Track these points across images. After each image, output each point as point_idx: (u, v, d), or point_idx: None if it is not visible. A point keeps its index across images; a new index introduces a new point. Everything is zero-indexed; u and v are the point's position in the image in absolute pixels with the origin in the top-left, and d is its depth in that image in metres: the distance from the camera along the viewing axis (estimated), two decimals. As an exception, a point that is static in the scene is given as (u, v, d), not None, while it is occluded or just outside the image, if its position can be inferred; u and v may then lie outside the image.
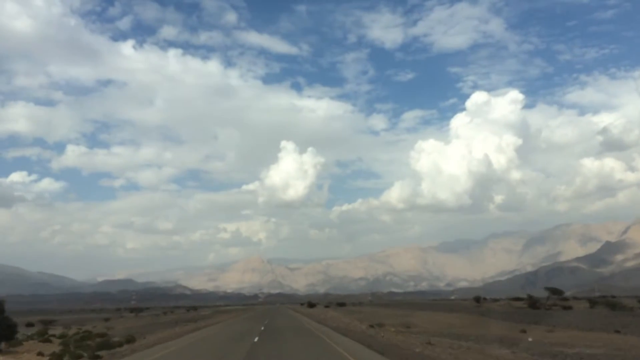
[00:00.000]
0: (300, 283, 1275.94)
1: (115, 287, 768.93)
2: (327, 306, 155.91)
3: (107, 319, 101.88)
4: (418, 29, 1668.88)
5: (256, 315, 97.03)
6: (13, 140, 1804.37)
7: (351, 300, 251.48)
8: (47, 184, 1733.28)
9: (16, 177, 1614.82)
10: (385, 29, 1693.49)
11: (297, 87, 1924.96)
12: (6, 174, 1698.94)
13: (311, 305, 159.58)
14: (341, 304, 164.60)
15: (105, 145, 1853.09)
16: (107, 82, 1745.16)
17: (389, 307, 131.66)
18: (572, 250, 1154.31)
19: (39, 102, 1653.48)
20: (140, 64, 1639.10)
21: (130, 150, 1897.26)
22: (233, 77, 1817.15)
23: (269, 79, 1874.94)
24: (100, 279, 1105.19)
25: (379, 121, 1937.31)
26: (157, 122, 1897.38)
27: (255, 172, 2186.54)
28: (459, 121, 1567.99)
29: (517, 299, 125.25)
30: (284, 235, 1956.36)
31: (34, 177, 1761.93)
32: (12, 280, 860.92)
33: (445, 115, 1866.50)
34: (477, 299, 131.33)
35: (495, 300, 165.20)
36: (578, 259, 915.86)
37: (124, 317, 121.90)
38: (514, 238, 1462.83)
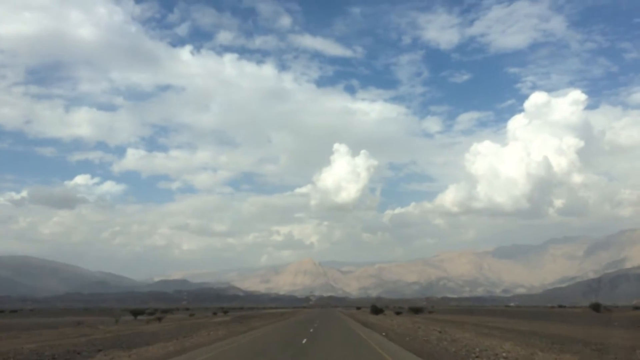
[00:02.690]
0: (352, 286, 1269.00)
1: (171, 287, 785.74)
2: (398, 312, 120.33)
3: (116, 320, 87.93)
4: (475, 29, 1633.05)
5: (295, 326, 62.61)
6: (77, 144, 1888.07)
7: (404, 305, 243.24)
8: (109, 187, 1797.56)
9: (80, 179, 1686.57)
10: (440, 30, 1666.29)
11: (350, 90, 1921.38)
12: (71, 176, 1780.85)
13: (377, 310, 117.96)
14: (416, 310, 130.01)
15: (164, 148, 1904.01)
16: (165, 87, 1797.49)
17: (471, 314, 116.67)
18: (638, 257, 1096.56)
19: (101, 107, 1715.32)
20: (197, 69, 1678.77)
21: (187, 154, 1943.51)
22: (287, 80, 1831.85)
23: (322, 82, 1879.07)
24: (156, 279, 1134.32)
25: (433, 123, 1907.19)
26: (213, 126, 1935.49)
27: (308, 175, 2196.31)
28: (516, 123, 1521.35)
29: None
30: (336, 239, 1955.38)
31: (96, 179, 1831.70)
32: (72, 278, 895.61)
33: (503, 117, 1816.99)
34: (596, 307, 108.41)
35: (608, 309, 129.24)
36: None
37: (141, 321, 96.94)
38: (575, 244, 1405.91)
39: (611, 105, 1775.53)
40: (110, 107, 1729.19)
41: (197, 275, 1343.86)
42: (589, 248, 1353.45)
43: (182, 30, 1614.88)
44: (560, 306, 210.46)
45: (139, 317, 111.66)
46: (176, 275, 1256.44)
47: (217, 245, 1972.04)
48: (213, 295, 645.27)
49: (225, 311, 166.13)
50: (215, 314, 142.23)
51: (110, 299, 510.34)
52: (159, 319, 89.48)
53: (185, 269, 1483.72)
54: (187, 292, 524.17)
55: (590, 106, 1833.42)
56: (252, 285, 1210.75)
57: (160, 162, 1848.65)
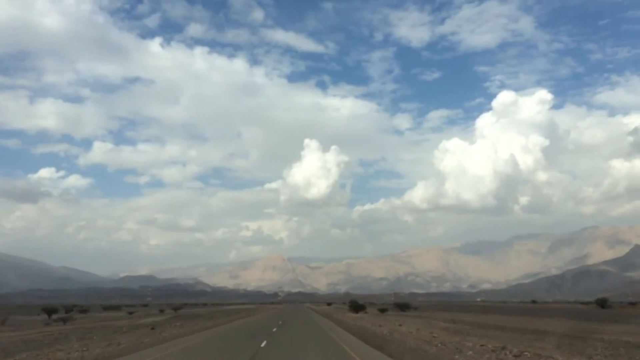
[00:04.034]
0: (321, 282, 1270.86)
1: (137, 283, 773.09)
2: (382, 310, 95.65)
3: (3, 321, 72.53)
4: (445, 27, 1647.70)
5: (240, 335, 42.94)
6: (42, 137, 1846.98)
7: (372, 301, 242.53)
8: (74, 180, 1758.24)
9: (44, 173, 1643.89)
10: (412, 27, 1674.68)
11: (322, 86, 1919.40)
12: (35, 169, 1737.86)
13: (357, 307, 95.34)
14: (402, 306, 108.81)
15: (131, 142, 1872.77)
16: (134, 80, 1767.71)
17: (446, 310, 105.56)
18: (599, 254, 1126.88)
19: (67, 98, 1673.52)
20: (167, 61, 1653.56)
21: (156, 148, 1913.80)
22: (258, 75, 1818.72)
23: (294, 77, 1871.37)
24: (122, 275, 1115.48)
25: (403, 120, 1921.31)
26: (183, 120, 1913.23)
27: (278, 171, 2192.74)
28: (485, 121, 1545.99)
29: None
30: (306, 234, 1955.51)
31: (61, 173, 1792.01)
32: (35, 274, 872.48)
33: (471, 115, 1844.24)
34: (602, 303, 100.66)
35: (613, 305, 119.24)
36: (606, 263, 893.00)
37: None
38: (539, 240, 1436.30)
39: (576, 105, 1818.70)
40: (76, 99, 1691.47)
41: (164, 270, 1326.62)
42: (552, 245, 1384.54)
43: (152, 21, 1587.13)
44: (533, 301, 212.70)
45: (54, 316, 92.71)
46: (142, 270, 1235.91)
47: (185, 240, 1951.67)
48: (180, 291, 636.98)
49: (176, 308, 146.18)
50: (162, 311, 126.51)
51: (73, 295, 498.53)
52: (64, 321, 72.67)
53: (152, 264, 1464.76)
54: (152, 288, 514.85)
55: (556, 106, 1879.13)
56: (221, 281, 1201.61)
57: (128, 155, 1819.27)
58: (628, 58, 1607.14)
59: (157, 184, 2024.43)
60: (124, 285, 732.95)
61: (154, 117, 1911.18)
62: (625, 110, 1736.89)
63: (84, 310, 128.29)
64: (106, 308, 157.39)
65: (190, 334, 41.28)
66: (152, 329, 48.07)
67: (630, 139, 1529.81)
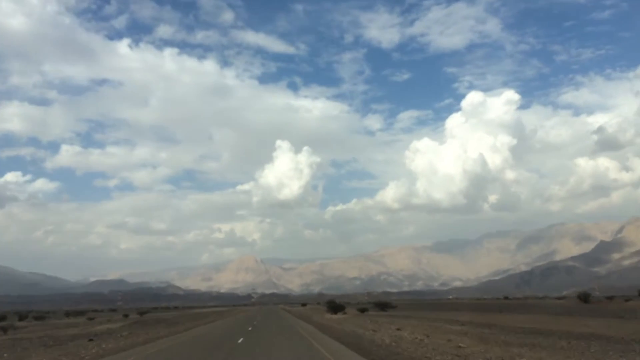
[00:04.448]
0: (294, 283, 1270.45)
1: (107, 288, 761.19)
2: (363, 310, 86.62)
3: None
4: (415, 29, 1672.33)
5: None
6: (7, 140, 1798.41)
7: (346, 300, 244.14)
8: (41, 184, 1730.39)
9: (10, 177, 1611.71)
10: (382, 29, 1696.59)
11: (293, 87, 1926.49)
12: (0, 173, 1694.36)
13: (335, 308, 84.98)
14: (382, 305, 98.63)
15: (100, 145, 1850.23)
16: (102, 82, 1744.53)
17: (426, 309, 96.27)
18: (566, 250, 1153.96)
19: (33, 101, 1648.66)
20: (136, 63, 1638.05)
21: (125, 150, 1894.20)
22: (229, 76, 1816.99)
23: (265, 79, 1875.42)
24: (92, 280, 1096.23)
25: (374, 121, 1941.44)
26: (152, 122, 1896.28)
27: (250, 172, 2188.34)
28: (454, 121, 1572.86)
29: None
30: (278, 235, 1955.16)
31: (27, 177, 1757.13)
32: (1, 280, 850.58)
33: (441, 115, 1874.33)
34: (585, 297, 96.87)
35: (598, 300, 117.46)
36: (573, 258, 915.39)
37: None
38: (508, 238, 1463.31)
39: (542, 105, 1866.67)
40: (42, 102, 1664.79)
41: (136, 274, 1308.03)
42: (521, 242, 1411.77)
43: (120, 22, 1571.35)
44: (505, 297, 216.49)
45: None
46: (113, 275, 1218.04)
47: (156, 244, 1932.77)
48: (151, 295, 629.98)
49: (142, 313, 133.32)
50: (126, 316, 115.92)
51: (42, 301, 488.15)
52: (4, 330, 63.15)
53: (123, 268, 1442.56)
54: (123, 293, 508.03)
55: (523, 106, 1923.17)
56: (193, 283, 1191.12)
57: (97, 158, 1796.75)
58: (592, 59, 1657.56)
59: (127, 187, 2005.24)
60: (94, 290, 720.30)
61: (123, 119, 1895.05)
62: (590, 110, 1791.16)
63: (40, 317, 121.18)
64: (69, 314, 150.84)
65: (131, 347, 32.11)
66: (91, 340, 39.13)
67: (595, 137, 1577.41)
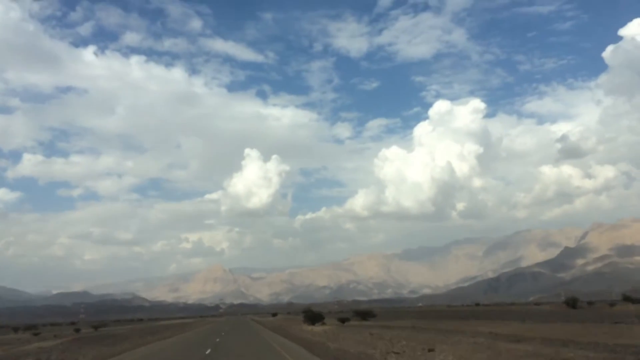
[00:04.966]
0: (263, 292, 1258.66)
1: (71, 300, 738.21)
2: (343, 320, 72.54)
3: None
4: (383, 38, 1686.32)
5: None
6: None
7: (316, 309, 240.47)
8: (2, 194, 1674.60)
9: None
10: (350, 38, 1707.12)
11: (262, 95, 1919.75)
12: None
13: (314, 318, 71.42)
14: (363, 314, 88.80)
15: (64, 153, 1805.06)
16: (66, 89, 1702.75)
17: (404, 318, 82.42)
18: (532, 256, 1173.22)
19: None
20: (101, 70, 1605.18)
21: (90, 159, 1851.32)
22: (197, 84, 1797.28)
23: (234, 87, 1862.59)
24: (55, 292, 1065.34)
25: (343, 130, 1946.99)
26: (119, 130, 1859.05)
27: (218, 181, 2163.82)
28: (422, 129, 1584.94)
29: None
30: (247, 245, 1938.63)
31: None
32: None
33: (409, 123, 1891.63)
34: (573, 302, 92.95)
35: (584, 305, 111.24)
36: (539, 264, 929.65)
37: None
38: (476, 245, 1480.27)
39: (507, 114, 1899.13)
40: (4, 110, 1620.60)
41: (100, 286, 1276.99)
42: (488, 248, 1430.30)
43: (85, 29, 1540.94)
44: (477, 304, 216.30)
45: None
46: (76, 287, 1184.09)
47: (122, 254, 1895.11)
48: (116, 307, 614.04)
49: (97, 326, 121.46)
50: (77, 330, 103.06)
51: (0, 315, 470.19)
52: None
53: (87, 280, 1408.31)
54: (86, 305, 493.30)
55: (489, 114, 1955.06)
56: (160, 294, 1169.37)
57: (60, 168, 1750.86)
58: (554, 69, 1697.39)
59: (92, 196, 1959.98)
60: (56, 303, 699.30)
61: (88, 127, 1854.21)
62: (553, 119, 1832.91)
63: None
64: (17, 329, 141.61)
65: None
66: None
67: (558, 145, 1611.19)
